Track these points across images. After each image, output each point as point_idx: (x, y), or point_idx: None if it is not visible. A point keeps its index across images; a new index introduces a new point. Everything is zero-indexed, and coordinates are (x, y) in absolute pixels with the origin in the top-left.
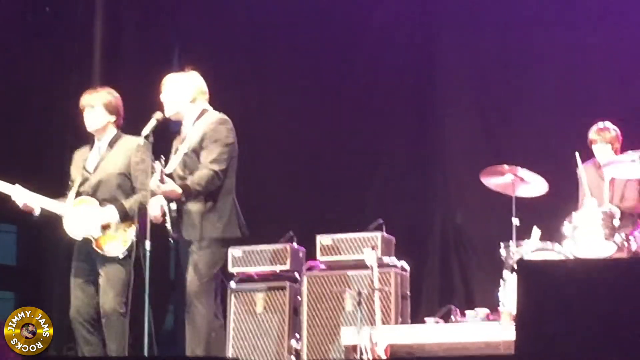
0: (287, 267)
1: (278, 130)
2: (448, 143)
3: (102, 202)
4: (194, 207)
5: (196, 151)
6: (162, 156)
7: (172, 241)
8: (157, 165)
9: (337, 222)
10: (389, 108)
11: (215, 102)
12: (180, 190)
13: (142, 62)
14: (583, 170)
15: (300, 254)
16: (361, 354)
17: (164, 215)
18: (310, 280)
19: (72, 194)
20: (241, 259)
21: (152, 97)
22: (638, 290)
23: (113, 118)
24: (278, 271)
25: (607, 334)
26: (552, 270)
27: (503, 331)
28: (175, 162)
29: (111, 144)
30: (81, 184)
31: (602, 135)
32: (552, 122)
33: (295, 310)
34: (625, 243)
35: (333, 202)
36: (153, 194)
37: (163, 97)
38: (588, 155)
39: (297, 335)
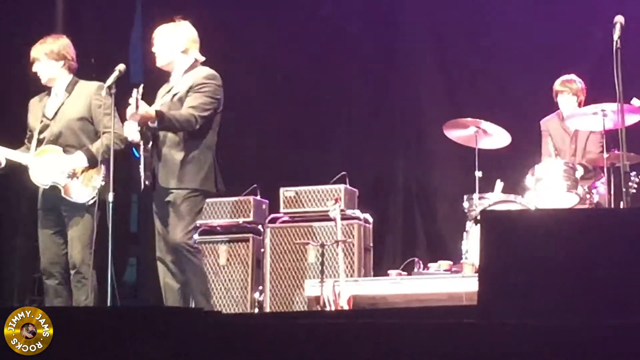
0: (250, 219)
1: (242, 84)
2: (411, 98)
3: (65, 149)
4: (175, 155)
5: (181, 100)
6: (141, 85)
7: (143, 187)
8: (135, 92)
9: (301, 174)
10: (353, 62)
11: None
12: (153, 113)
13: (105, 9)
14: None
15: (263, 206)
16: (324, 305)
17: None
18: (273, 232)
19: (33, 142)
20: (204, 211)
21: (115, 45)
22: (599, 241)
23: (62, 63)
24: (241, 222)
25: (568, 284)
26: (515, 221)
27: (465, 283)
28: (156, 106)
29: (68, 90)
30: (41, 131)
31: (568, 87)
32: (514, 76)
33: (258, 262)
34: (588, 195)
35: (296, 155)
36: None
37: (155, 48)
38: (549, 109)
39: (260, 287)
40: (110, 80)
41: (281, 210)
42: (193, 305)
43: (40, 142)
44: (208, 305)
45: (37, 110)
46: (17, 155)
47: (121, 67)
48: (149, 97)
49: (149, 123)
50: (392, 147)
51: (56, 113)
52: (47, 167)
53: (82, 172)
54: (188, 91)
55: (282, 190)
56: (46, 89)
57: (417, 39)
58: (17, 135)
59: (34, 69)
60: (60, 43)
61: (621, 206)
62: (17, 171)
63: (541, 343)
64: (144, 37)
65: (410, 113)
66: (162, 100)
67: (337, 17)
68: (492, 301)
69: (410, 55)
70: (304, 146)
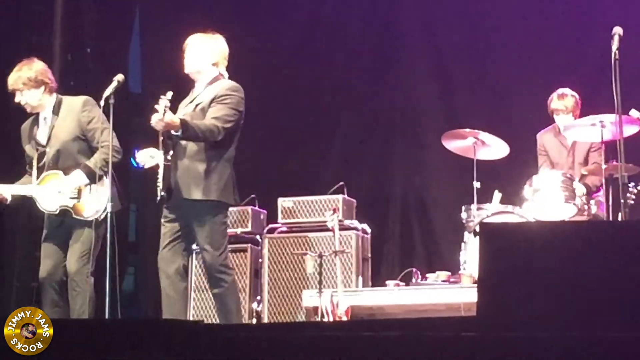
0: (248, 229)
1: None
2: (409, 107)
3: (65, 171)
4: (197, 166)
5: (204, 110)
6: (170, 92)
7: (160, 198)
8: (163, 99)
9: (299, 185)
10: (350, 72)
11: (176, 64)
12: (178, 122)
13: (104, 19)
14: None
15: (262, 217)
16: (322, 315)
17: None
18: (271, 243)
19: (34, 172)
20: None
21: (113, 57)
22: (598, 254)
23: (42, 89)
24: (239, 233)
25: (567, 296)
26: (514, 233)
27: (464, 293)
28: (179, 115)
29: (55, 111)
30: (39, 159)
31: (563, 103)
32: (512, 86)
33: (256, 273)
34: (586, 206)
35: (295, 166)
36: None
37: (187, 54)
38: (548, 121)
39: (258, 297)
40: (109, 90)
41: (279, 220)
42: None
43: (40, 170)
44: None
45: (29, 137)
46: (21, 189)
47: (120, 77)
48: (150, 106)
49: (172, 131)
50: (390, 158)
51: (49, 138)
52: (52, 193)
53: (89, 188)
54: (211, 102)
55: (280, 200)
56: (33, 114)
57: (415, 50)
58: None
59: (17, 99)
60: (35, 69)
61: (619, 217)
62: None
63: (540, 355)
64: (142, 47)
65: (408, 124)
66: (185, 110)
67: (335, 29)
68: (491, 313)
69: (408, 66)
70: (302, 157)
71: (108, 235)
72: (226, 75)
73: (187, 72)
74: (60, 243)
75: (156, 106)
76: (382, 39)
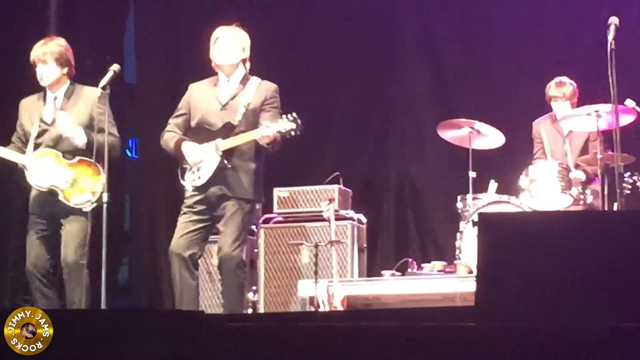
0: None
1: None
2: (404, 97)
3: (64, 155)
4: (252, 165)
5: (255, 111)
6: (117, 64)
7: (191, 193)
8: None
9: (294, 175)
10: (346, 62)
11: (168, 52)
12: (279, 136)
13: (99, 9)
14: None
15: (257, 207)
16: (318, 306)
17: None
18: (267, 233)
19: (30, 146)
20: None
21: (108, 47)
22: (595, 244)
23: (65, 70)
24: None
25: (564, 285)
26: (513, 223)
27: (460, 283)
28: (238, 116)
29: (67, 96)
30: (38, 136)
31: (561, 90)
32: (508, 76)
33: (252, 263)
34: (582, 196)
35: (290, 156)
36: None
37: (222, 46)
38: (543, 111)
39: (253, 287)
40: (105, 80)
41: (275, 210)
42: None
43: (36, 147)
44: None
45: (31, 112)
46: (14, 155)
47: (115, 67)
48: (144, 96)
49: (267, 144)
50: (385, 148)
51: (55, 119)
52: (46, 170)
53: (82, 177)
54: (263, 104)
55: (275, 190)
56: (38, 90)
57: (411, 39)
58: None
59: (38, 70)
60: (66, 48)
61: (615, 207)
62: (9, 172)
63: (538, 345)
64: (137, 37)
65: (403, 113)
66: (239, 109)
67: (330, 18)
68: (489, 303)
69: (403, 55)
70: (297, 147)
71: (104, 226)
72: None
73: (221, 64)
74: (46, 232)
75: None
76: (378, 28)
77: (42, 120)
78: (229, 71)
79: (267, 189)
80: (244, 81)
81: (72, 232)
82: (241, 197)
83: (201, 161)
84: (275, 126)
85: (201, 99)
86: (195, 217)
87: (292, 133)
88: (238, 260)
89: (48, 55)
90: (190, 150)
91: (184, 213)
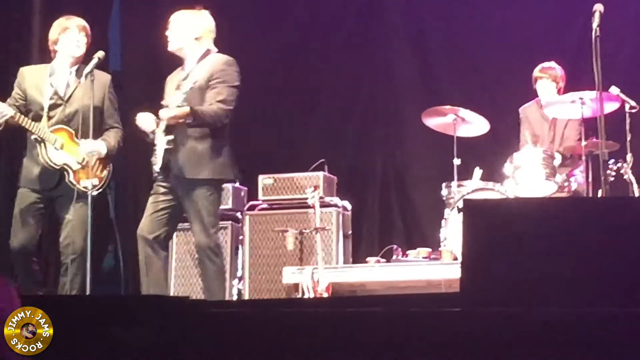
0: (228, 206)
1: None
2: (389, 84)
3: (75, 133)
4: (200, 145)
5: (202, 88)
6: (102, 51)
7: (156, 174)
8: (178, 94)
9: (279, 162)
10: (330, 49)
11: (156, 42)
12: (187, 109)
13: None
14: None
15: (242, 194)
16: (303, 292)
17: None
18: (251, 220)
19: (44, 119)
20: None
21: (93, 34)
22: (579, 230)
23: (85, 40)
24: (219, 210)
25: (549, 271)
26: (498, 209)
27: (444, 270)
28: (179, 97)
29: (78, 75)
30: (50, 108)
31: (548, 73)
32: (492, 63)
33: (236, 250)
34: (566, 183)
35: (275, 143)
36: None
37: (169, 32)
38: (528, 98)
39: (239, 274)
40: (90, 67)
41: (260, 197)
42: None
43: (48, 120)
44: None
45: (38, 82)
46: (34, 127)
47: (100, 54)
48: (130, 84)
49: (182, 120)
50: (370, 134)
51: (71, 95)
52: (64, 147)
53: (97, 162)
54: (209, 80)
55: (260, 177)
56: (43, 62)
57: (395, 26)
58: None
59: (75, 36)
60: (87, 24)
61: (599, 194)
62: None
63: (523, 330)
64: (122, 24)
65: (388, 100)
66: (183, 89)
67: (313, 6)
68: (474, 289)
69: (388, 42)
70: (282, 134)
71: (89, 213)
72: (215, 50)
73: (171, 50)
74: (41, 213)
75: (163, 102)
76: (362, 15)
77: (56, 94)
78: (184, 55)
79: (252, 176)
80: (200, 60)
81: (78, 220)
82: (195, 177)
83: (154, 132)
84: (166, 113)
85: (169, 83)
86: (160, 199)
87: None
88: (211, 245)
89: (74, 24)
90: (141, 116)
91: (151, 195)
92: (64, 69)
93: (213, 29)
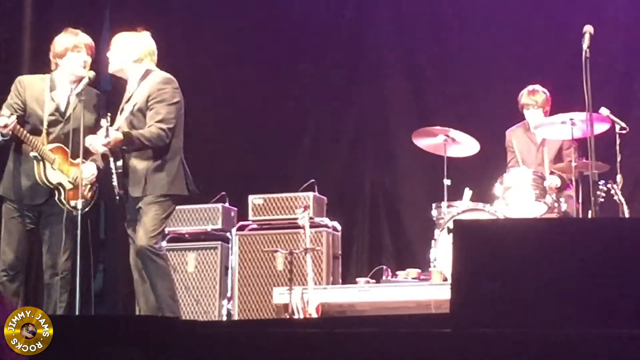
0: (218, 226)
1: (210, 90)
2: (379, 105)
3: (71, 152)
4: (140, 164)
5: (142, 110)
6: (108, 113)
7: (118, 199)
8: (104, 122)
9: (269, 182)
10: (320, 69)
11: None
12: (121, 136)
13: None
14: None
15: (232, 214)
16: (292, 313)
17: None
18: (241, 240)
19: (43, 135)
20: (173, 218)
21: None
22: (569, 250)
23: (89, 60)
24: (209, 230)
25: (539, 292)
26: (488, 230)
27: (434, 290)
28: (120, 121)
29: (78, 94)
30: (50, 125)
31: (534, 98)
32: (482, 84)
33: (226, 270)
34: (556, 204)
35: (265, 163)
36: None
37: (109, 54)
38: (518, 117)
39: (228, 294)
40: (80, 87)
41: (250, 217)
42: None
43: (48, 135)
44: (176, 307)
45: (38, 94)
46: (32, 140)
47: (90, 74)
48: (120, 103)
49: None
50: (360, 155)
51: (70, 113)
52: (57, 166)
53: (87, 183)
54: (147, 101)
55: (250, 197)
56: (41, 73)
57: (385, 48)
58: None
59: (81, 57)
60: (92, 42)
61: (589, 215)
62: None
63: (513, 351)
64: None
65: (378, 121)
66: (125, 112)
67: (304, 26)
68: (464, 310)
69: (378, 63)
70: (272, 154)
71: (79, 233)
72: (156, 69)
73: (111, 72)
74: (31, 228)
75: (99, 132)
76: (352, 36)
77: (57, 110)
78: (125, 76)
79: (242, 196)
80: (140, 81)
81: (65, 237)
82: (138, 196)
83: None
84: (96, 140)
85: (122, 105)
86: (128, 226)
87: (105, 125)
88: (151, 244)
89: (91, 50)
90: (91, 139)
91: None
92: (65, 85)
93: (154, 51)
